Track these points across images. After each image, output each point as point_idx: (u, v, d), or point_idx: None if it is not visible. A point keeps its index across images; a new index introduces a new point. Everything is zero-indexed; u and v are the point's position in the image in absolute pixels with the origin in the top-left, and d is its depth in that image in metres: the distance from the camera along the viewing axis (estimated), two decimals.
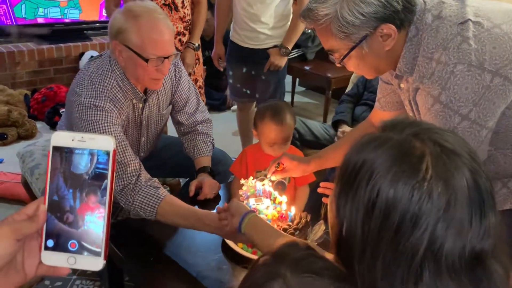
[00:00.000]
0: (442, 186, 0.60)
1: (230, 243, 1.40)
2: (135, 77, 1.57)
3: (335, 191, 0.68)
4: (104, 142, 0.57)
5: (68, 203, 0.57)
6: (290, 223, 1.41)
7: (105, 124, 1.51)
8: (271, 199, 1.47)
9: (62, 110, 3.39)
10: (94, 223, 0.57)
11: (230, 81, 2.80)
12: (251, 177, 1.52)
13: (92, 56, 3.92)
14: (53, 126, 3.35)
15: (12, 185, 2.50)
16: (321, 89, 4.16)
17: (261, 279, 0.62)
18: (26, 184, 2.16)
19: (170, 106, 1.83)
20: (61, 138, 0.58)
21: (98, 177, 0.57)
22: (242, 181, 1.50)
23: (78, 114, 1.52)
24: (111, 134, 1.50)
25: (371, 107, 2.57)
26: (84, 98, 1.51)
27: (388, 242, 0.61)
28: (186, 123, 1.87)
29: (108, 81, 1.55)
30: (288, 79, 4.38)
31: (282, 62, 2.54)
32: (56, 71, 3.91)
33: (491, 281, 0.61)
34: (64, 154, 0.57)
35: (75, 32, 3.98)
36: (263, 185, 1.49)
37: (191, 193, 1.69)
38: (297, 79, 4.39)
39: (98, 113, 1.51)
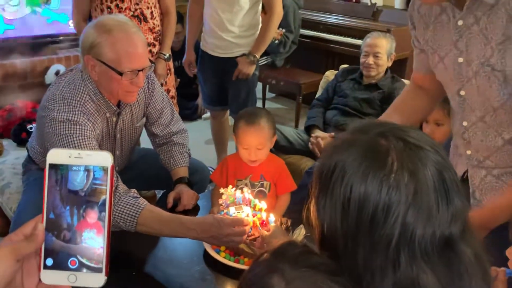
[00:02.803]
0: (408, 176, 0.64)
1: (213, 253, 1.41)
2: (109, 91, 1.55)
3: (314, 194, 0.73)
4: (101, 158, 0.57)
5: (66, 221, 0.57)
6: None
7: (80, 138, 1.48)
8: (251, 207, 1.48)
9: (29, 126, 3.30)
10: (94, 239, 0.57)
11: (202, 89, 2.82)
12: (230, 186, 1.53)
13: (58, 71, 3.84)
14: (20, 143, 3.26)
15: None
16: (291, 95, 4.22)
17: (261, 273, 0.66)
18: None
19: (144, 119, 1.82)
20: (58, 155, 0.57)
21: (96, 193, 0.57)
22: (222, 190, 1.51)
23: (50, 129, 1.49)
24: (86, 147, 1.48)
25: (341, 110, 2.63)
26: (57, 113, 1.49)
27: (365, 233, 0.65)
28: (161, 134, 1.86)
29: (81, 95, 1.53)
30: (259, 86, 4.42)
31: (251, 70, 2.56)
32: (21, 86, 3.80)
33: (461, 263, 0.66)
34: (60, 171, 0.57)
35: (40, 46, 3.88)
36: (242, 193, 1.51)
37: (169, 205, 1.69)
38: (268, 86, 4.44)
39: (72, 126, 1.48)
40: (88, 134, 1.51)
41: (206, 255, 1.42)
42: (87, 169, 0.57)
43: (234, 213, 1.42)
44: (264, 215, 1.46)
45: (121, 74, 1.47)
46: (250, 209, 1.46)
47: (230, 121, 2.84)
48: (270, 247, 0.71)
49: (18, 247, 0.55)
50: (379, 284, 0.65)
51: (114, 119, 1.66)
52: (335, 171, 0.68)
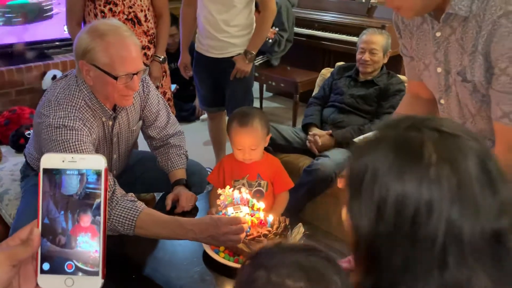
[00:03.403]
0: (448, 169, 0.59)
1: (212, 253, 1.41)
2: (104, 96, 1.56)
3: (345, 199, 0.69)
4: (95, 162, 0.57)
5: (61, 225, 0.57)
6: (270, 229, 1.44)
7: (76, 143, 1.49)
8: (249, 207, 1.49)
9: (27, 132, 3.30)
10: (90, 243, 0.57)
11: (199, 91, 2.82)
12: (227, 186, 1.53)
13: (54, 75, 3.84)
14: (18, 149, 3.25)
15: None
16: (288, 94, 4.22)
17: (245, 275, 0.66)
18: None
19: (141, 122, 1.82)
20: (51, 160, 0.57)
21: (91, 197, 0.57)
22: (219, 190, 1.51)
23: (47, 135, 1.49)
24: (82, 152, 1.48)
25: (338, 108, 2.64)
26: (52, 119, 1.49)
27: (405, 235, 0.60)
28: (158, 137, 1.86)
29: (76, 101, 1.54)
30: (256, 85, 4.42)
31: (248, 67, 2.57)
32: (18, 92, 3.80)
33: None
34: (54, 176, 0.57)
35: (36, 52, 3.89)
36: (240, 193, 1.51)
37: (168, 207, 1.69)
38: (264, 85, 4.44)
39: (68, 132, 1.49)
40: (84, 139, 1.51)
41: (205, 256, 1.42)
42: (81, 173, 0.57)
43: (232, 213, 1.43)
44: (262, 214, 1.47)
45: (115, 78, 1.47)
46: (248, 209, 1.47)
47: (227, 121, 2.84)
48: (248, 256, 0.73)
49: (14, 252, 0.55)
50: None
51: (110, 123, 1.66)
52: (366, 174, 0.64)
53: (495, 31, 1.01)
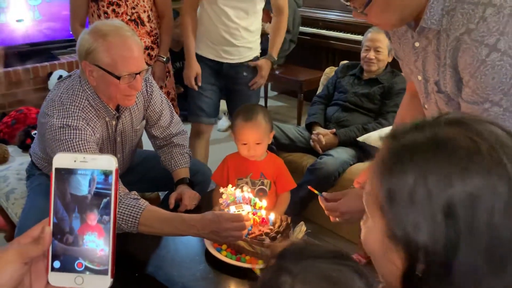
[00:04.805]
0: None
1: (214, 252, 1.42)
2: (107, 96, 1.57)
3: (386, 215, 0.61)
4: (106, 162, 0.57)
5: (69, 224, 0.58)
6: (272, 227, 1.44)
7: (80, 142, 1.50)
8: (251, 205, 1.49)
9: (33, 132, 3.33)
10: (96, 242, 0.57)
11: (197, 100, 2.53)
12: (230, 185, 1.54)
13: (61, 76, 3.87)
14: (25, 149, 3.28)
15: None
16: (293, 93, 4.22)
17: (269, 277, 0.63)
18: (1, 210, 2.13)
19: (144, 121, 1.83)
20: (63, 159, 0.58)
21: (99, 196, 0.57)
22: (222, 189, 1.52)
23: (50, 135, 1.51)
24: (86, 151, 1.50)
25: (342, 107, 2.64)
26: (56, 119, 1.51)
27: (472, 243, 0.56)
28: (161, 136, 1.88)
29: (79, 101, 1.55)
30: None
31: (268, 70, 2.53)
32: (24, 93, 3.84)
33: None
34: (66, 175, 0.58)
35: (42, 52, 3.92)
36: (242, 192, 1.52)
37: (171, 206, 1.70)
38: (269, 84, 4.44)
39: (72, 131, 1.50)
40: (88, 138, 1.53)
41: (207, 254, 1.43)
42: (91, 173, 0.57)
43: (235, 211, 1.44)
44: (264, 213, 1.48)
45: (118, 78, 1.48)
46: (250, 208, 1.47)
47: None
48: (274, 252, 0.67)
49: (26, 250, 0.56)
50: None
51: (114, 123, 1.67)
52: (418, 182, 0.58)
53: (459, 46, 1.02)
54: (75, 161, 0.57)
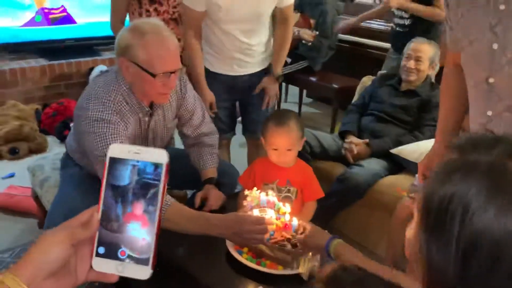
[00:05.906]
0: None
1: (235, 254, 1.42)
2: (142, 92, 1.60)
3: (419, 230, 0.60)
4: (158, 155, 0.59)
5: (120, 212, 0.59)
6: (294, 233, 1.42)
7: (113, 136, 1.53)
8: (275, 210, 1.48)
9: (72, 124, 3.44)
10: (139, 230, 0.59)
11: (218, 116, 2.34)
12: (255, 188, 1.53)
13: (101, 71, 4.00)
14: (63, 140, 3.40)
15: (22, 199, 2.54)
16: (328, 100, 4.18)
17: None
18: (36, 198, 2.20)
19: (176, 119, 1.86)
20: (118, 150, 0.61)
21: (151, 188, 0.59)
22: (246, 192, 1.52)
23: (85, 127, 1.55)
24: None
25: (377, 117, 2.58)
26: (91, 112, 1.55)
27: (502, 278, 0.54)
28: (192, 135, 1.89)
29: (115, 96, 1.59)
30: (295, 90, 4.42)
31: (277, 87, 2.41)
32: (66, 86, 3.99)
33: None
34: (119, 165, 0.60)
35: (85, 47, 4.06)
36: (267, 195, 1.51)
37: (197, 205, 1.72)
38: (304, 90, 4.42)
39: (106, 125, 1.54)
40: (120, 132, 1.56)
41: (228, 256, 1.43)
42: (143, 165, 0.59)
43: (258, 215, 1.43)
44: (287, 218, 1.46)
45: (154, 75, 1.51)
46: (273, 212, 1.46)
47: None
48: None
49: (74, 232, 0.58)
50: None
51: (147, 119, 1.70)
52: (451, 205, 0.55)
53: None
54: (129, 152, 0.60)
